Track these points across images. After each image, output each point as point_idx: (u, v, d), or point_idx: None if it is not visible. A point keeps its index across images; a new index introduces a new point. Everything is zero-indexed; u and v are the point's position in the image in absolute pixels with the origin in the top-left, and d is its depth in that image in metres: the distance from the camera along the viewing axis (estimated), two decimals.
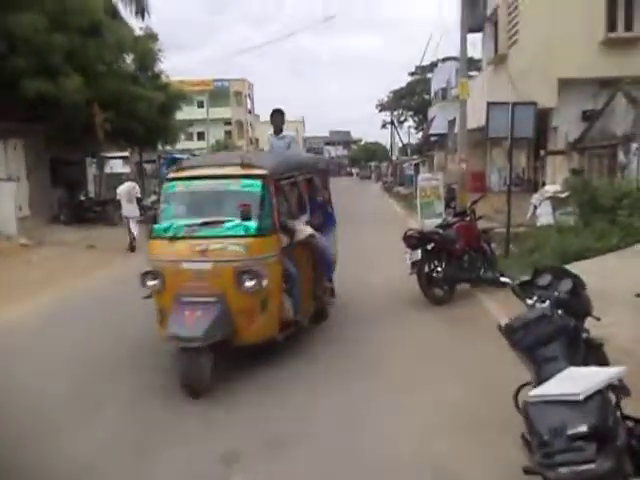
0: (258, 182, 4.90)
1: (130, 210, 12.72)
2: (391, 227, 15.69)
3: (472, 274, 7.36)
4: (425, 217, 15.70)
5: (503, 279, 3.25)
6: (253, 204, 4.77)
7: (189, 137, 54.53)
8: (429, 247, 6.85)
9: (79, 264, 11.17)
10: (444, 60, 38.32)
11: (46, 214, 16.51)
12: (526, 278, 3.07)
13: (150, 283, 4.77)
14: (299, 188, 5.84)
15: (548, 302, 2.77)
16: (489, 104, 9.64)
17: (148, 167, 27.55)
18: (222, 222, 4.76)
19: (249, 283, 4.53)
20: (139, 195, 13.44)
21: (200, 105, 46.71)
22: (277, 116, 7.07)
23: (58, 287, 8.99)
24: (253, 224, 4.71)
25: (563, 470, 1.98)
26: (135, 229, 12.55)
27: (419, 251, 6.78)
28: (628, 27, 15.18)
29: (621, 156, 12.01)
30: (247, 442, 3.79)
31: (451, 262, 7.04)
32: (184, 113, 48.97)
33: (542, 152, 16.70)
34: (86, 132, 15.97)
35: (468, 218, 7.75)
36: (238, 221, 4.70)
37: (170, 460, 3.63)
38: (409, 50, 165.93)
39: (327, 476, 3.40)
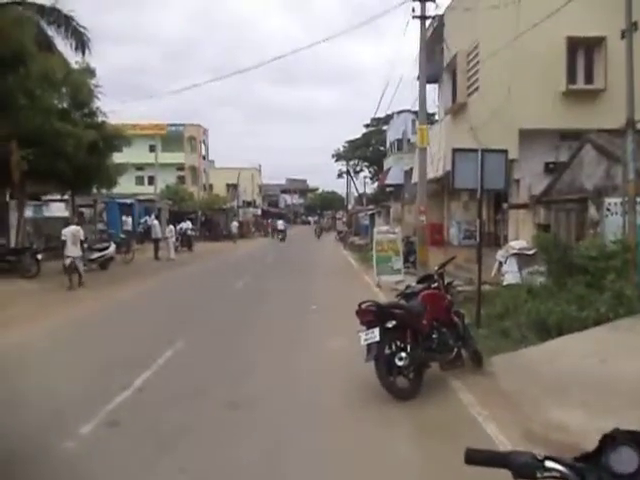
0: None
1: (73, 251, 13.96)
2: (346, 282, 14.46)
3: (443, 355, 5.87)
4: (381, 273, 14.42)
5: None
6: None
7: (140, 182, 52.74)
8: (390, 325, 5.33)
9: None
10: (399, 112, 38.31)
11: None
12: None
13: None
14: None
15: None
16: (455, 151, 8.47)
17: (86, 211, 25.56)
18: None
19: None
20: (82, 238, 14.52)
21: (152, 149, 44.96)
22: None
23: None
24: None
25: None
26: (81, 268, 14.10)
27: (377, 330, 5.24)
28: (588, 80, 14.76)
29: (592, 211, 11.06)
30: None
31: (417, 342, 5.52)
32: (134, 157, 47.75)
33: (504, 205, 15.81)
34: (2, 171, 14.02)
35: (435, 284, 6.32)
36: None
37: None
38: (365, 102, 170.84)
39: None
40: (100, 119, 18.28)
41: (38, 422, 4.70)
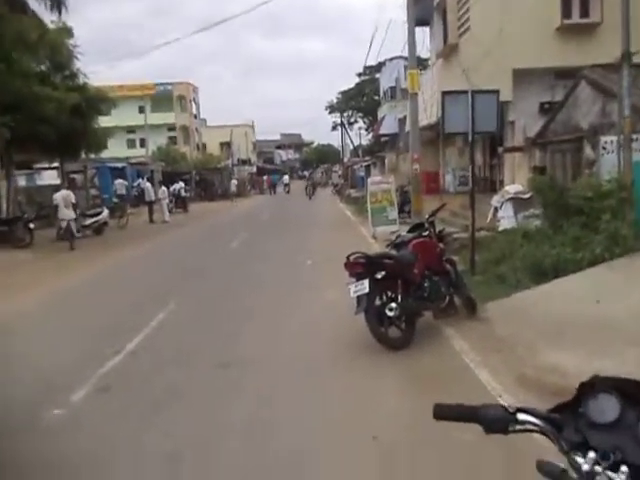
0: None
1: (67, 214, 14.78)
2: (342, 235, 14.35)
3: (436, 304, 5.80)
4: (377, 224, 14.28)
5: None
6: None
7: (131, 144, 51.92)
8: (379, 276, 5.22)
9: None
10: (391, 59, 37.29)
11: None
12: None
13: None
14: None
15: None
16: (444, 94, 8.19)
17: (77, 177, 25.19)
18: None
19: None
20: (74, 201, 15.29)
21: (142, 110, 43.91)
22: None
23: None
24: None
25: None
26: (74, 230, 14.82)
27: (366, 282, 5.14)
28: (584, 13, 14.16)
29: (588, 150, 10.82)
30: None
31: (408, 292, 5.43)
32: (123, 119, 46.89)
33: (500, 149, 15.51)
34: None
35: (427, 233, 6.19)
36: None
37: None
38: (357, 51, 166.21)
39: None
40: (82, 81, 17.71)
41: (29, 390, 4.68)
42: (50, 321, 7.31)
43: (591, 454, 1.18)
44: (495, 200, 12.83)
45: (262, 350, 5.67)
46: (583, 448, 1.20)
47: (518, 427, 1.26)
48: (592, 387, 1.25)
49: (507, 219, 12.17)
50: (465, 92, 8.02)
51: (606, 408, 1.22)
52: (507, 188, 12.89)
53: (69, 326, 6.94)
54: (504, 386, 4.25)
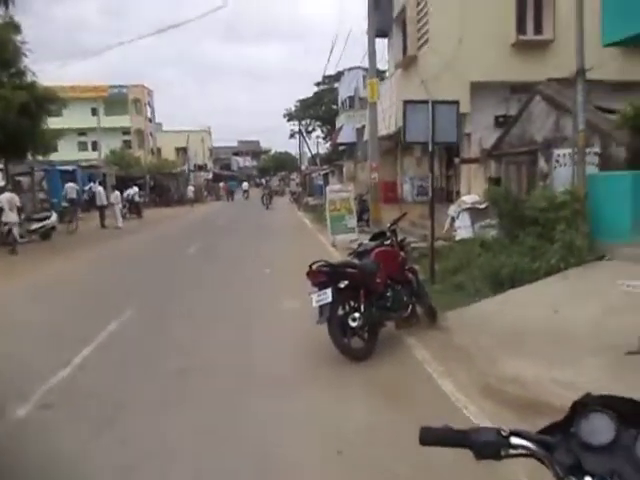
0: None
1: (11, 217, 14.54)
2: (301, 243, 14.20)
3: (399, 313, 5.74)
4: (336, 232, 14.22)
5: None
6: None
7: (83, 147, 50.27)
8: (342, 285, 5.11)
9: None
10: (350, 69, 37.62)
11: None
12: None
13: None
14: None
15: None
16: (406, 103, 8.20)
17: (24, 180, 24.05)
18: None
19: None
20: (19, 205, 15.04)
21: (95, 113, 42.56)
22: None
23: None
24: None
25: None
26: (17, 234, 14.60)
27: (329, 291, 5.02)
28: (538, 30, 14.62)
29: (542, 163, 11.11)
30: None
31: (371, 302, 5.34)
32: (75, 121, 45.28)
33: (456, 160, 15.77)
34: None
35: (389, 242, 6.13)
36: None
37: None
38: (316, 59, 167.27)
39: None
40: (30, 79, 16.95)
41: None
42: None
43: (587, 479, 1.09)
44: (452, 210, 12.99)
45: (219, 361, 5.45)
46: (578, 472, 1.11)
47: (511, 452, 1.16)
48: (585, 406, 1.17)
49: (464, 229, 12.34)
50: (426, 102, 8.07)
51: (600, 429, 1.13)
52: (464, 198, 13.08)
53: (11, 337, 6.49)
54: (468, 397, 4.20)
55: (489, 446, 1.14)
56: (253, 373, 5.07)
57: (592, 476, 1.08)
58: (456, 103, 8.16)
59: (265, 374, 5.02)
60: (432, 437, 1.22)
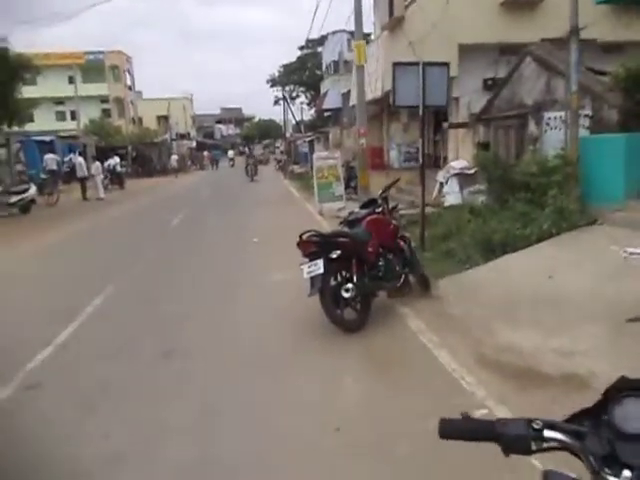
0: None
1: None
2: (288, 212, 13.98)
3: (392, 283, 5.61)
4: (323, 201, 14.01)
5: None
6: None
7: (61, 117, 48.84)
8: (334, 255, 4.95)
9: None
10: (334, 32, 36.70)
11: None
12: None
13: None
14: None
15: None
16: (395, 65, 7.91)
17: (0, 152, 23.31)
18: None
19: None
20: None
21: (72, 81, 41.13)
22: None
23: None
24: None
25: None
26: None
27: (321, 262, 4.86)
28: None
29: (532, 127, 10.92)
30: None
31: (363, 272, 5.20)
32: (52, 90, 43.89)
33: (444, 125, 15.51)
34: None
35: (380, 209, 5.96)
36: None
37: None
38: (299, 22, 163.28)
39: None
40: (1, 45, 16.19)
41: None
42: None
43: (626, 473, 0.96)
44: (440, 176, 12.83)
45: (209, 336, 5.31)
46: (613, 463, 0.98)
47: (544, 445, 1.03)
48: (619, 391, 1.04)
49: (453, 195, 12.20)
50: (416, 64, 7.79)
51: (636, 415, 1.00)
52: (452, 164, 12.90)
53: None
54: (464, 367, 4.11)
55: (520, 440, 1.02)
56: (244, 347, 4.94)
57: (630, 468, 0.95)
58: (446, 65, 7.89)
59: (257, 348, 4.89)
60: (453, 430, 1.08)
